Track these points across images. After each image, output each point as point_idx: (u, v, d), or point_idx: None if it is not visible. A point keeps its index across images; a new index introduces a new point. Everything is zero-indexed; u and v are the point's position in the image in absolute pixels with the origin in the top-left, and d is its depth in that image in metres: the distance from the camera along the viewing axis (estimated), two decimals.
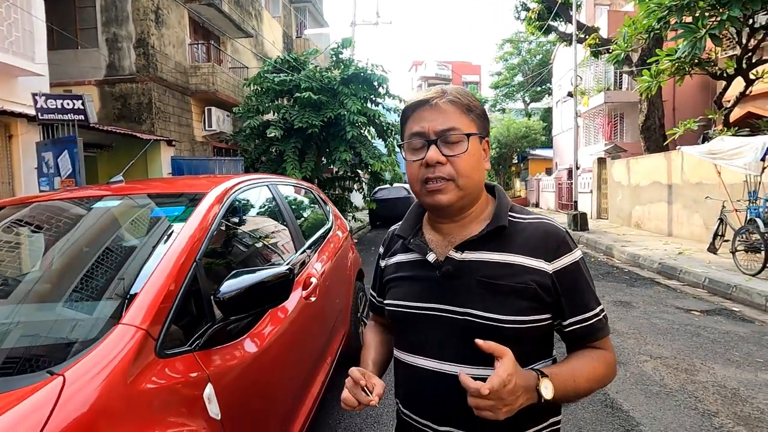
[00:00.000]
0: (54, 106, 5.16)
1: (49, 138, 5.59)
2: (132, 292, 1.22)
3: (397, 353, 0.95)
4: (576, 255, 0.85)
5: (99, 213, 1.77)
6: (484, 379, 0.71)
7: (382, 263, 1.03)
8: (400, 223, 1.02)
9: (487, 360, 0.76)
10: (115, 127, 8.59)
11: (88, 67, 9.24)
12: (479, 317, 0.81)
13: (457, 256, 0.85)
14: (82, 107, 5.16)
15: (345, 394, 0.83)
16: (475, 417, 0.74)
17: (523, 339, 0.82)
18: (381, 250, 1.07)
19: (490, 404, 0.70)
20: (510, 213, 0.88)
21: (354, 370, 0.84)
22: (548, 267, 0.82)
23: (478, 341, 0.74)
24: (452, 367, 0.82)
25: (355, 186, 11.97)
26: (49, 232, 1.70)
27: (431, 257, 0.88)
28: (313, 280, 2.22)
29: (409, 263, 0.93)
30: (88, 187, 2.22)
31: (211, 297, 1.36)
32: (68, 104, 5.17)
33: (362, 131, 10.15)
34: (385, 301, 0.96)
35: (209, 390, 1.22)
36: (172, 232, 1.50)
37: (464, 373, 0.73)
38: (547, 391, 0.76)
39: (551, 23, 14.12)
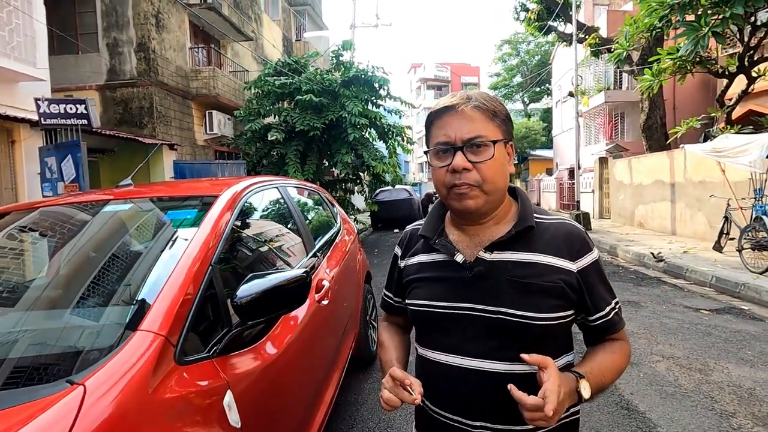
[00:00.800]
0: (57, 111, 5.14)
1: (51, 143, 5.56)
2: (148, 297, 1.19)
3: (423, 352, 0.95)
4: (595, 254, 0.90)
5: (109, 217, 1.74)
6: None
7: (402, 263, 1.03)
8: (418, 223, 1.04)
9: (518, 357, 0.81)
10: (118, 131, 8.58)
11: (90, 71, 9.23)
12: (511, 315, 0.84)
13: (487, 256, 0.87)
14: (85, 111, 5.13)
15: (387, 394, 0.83)
16: (506, 412, 0.81)
17: (551, 335, 0.86)
18: (398, 251, 1.07)
19: (542, 422, 0.74)
20: (534, 214, 0.91)
21: (396, 370, 0.84)
22: (573, 266, 0.86)
23: (524, 356, 0.78)
24: (484, 364, 0.85)
25: (357, 188, 11.95)
26: (59, 237, 1.66)
27: (459, 258, 0.89)
28: (325, 283, 2.18)
29: (434, 263, 0.94)
30: (97, 190, 2.19)
31: (228, 302, 1.33)
32: (71, 109, 5.15)
33: (363, 133, 10.12)
34: (408, 302, 0.97)
35: (229, 397, 1.19)
36: (186, 236, 1.47)
37: (514, 387, 0.75)
38: (585, 391, 0.81)
39: (551, 23, 14.13)
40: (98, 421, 0.85)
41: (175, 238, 1.50)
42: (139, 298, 1.23)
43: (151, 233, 1.64)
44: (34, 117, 5.60)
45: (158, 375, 1.01)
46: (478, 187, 0.84)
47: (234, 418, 1.19)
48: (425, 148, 0.93)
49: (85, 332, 1.20)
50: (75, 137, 5.21)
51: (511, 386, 0.75)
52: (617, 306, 0.93)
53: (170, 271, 1.26)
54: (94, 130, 5.75)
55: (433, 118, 0.90)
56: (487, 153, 0.84)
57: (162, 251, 1.44)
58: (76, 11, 9.24)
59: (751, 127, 8.24)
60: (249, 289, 1.29)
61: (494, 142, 0.85)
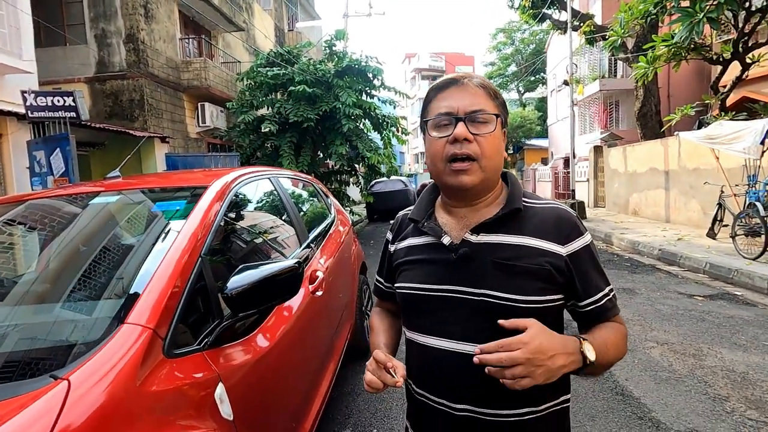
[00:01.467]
0: (44, 104, 5.04)
1: (40, 136, 5.47)
2: (136, 290, 1.16)
3: (410, 335, 0.95)
4: (587, 238, 0.88)
5: (97, 209, 1.70)
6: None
7: (392, 248, 1.03)
8: (410, 208, 1.04)
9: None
10: (108, 124, 8.45)
11: (78, 64, 9.06)
12: (496, 297, 0.83)
13: (473, 238, 0.87)
14: (73, 104, 5.04)
15: (369, 376, 0.83)
16: (490, 395, 0.81)
17: (539, 319, 0.84)
18: (389, 235, 1.07)
19: (520, 369, 0.71)
20: (523, 198, 0.90)
21: (378, 353, 0.84)
22: (562, 250, 0.85)
23: (502, 321, 0.76)
24: (468, 347, 0.83)
25: (352, 179, 11.89)
26: (45, 230, 1.63)
27: (446, 240, 0.89)
28: (319, 274, 2.16)
29: (421, 246, 0.94)
30: (84, 183, 2.15)
31: (218, 293, 1.31)
32: (59, 101, 5.05)
33: (358, 124, 10.04)
34: (397, 285, 0.97)
35: (221, 390, 1.17)
36: (174, 227, 1.44)
37: (477, 352, 0.74)
38: (590, 353, 0.79)
39: (545, 11, 14.02)
40: (83, 417, 0.83)
41: (164, 230, 1.47)
42: (127, 292, 1.20)
43: (140, 225, 1.61)
44: (22, 110, 5.50)
45: (146, 368, 0.99)
46: (476, 161, 0.83)
47: (226, 410, 1.17)
48: (425, 118, 0.90)
49: (71, 326, 1.18)
50: (64, 130, 5.12)
51: (476, 349, 0.74)
52: (611, 293, 0.91)
53: (158, 263, 1.23)
54: (82, 122, 5.66)
55: (434, 94, 0.90)
56: (488, 127, 0.84)
57: (150, 243, 1.41)
58: (62, 2, 9.04)
59: (745, 113, 8.25)
60: (239, 280, 1.27)
61: (496, 116, 0.85)
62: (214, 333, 1.25)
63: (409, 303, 0.94)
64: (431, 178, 0.95)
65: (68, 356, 0.99)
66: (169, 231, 1.44)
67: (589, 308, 0.89)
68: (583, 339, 0.80)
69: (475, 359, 0.74)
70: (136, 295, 1.14)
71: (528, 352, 0.71)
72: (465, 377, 0.84)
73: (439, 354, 0.87)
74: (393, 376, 0.81)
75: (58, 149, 4.84)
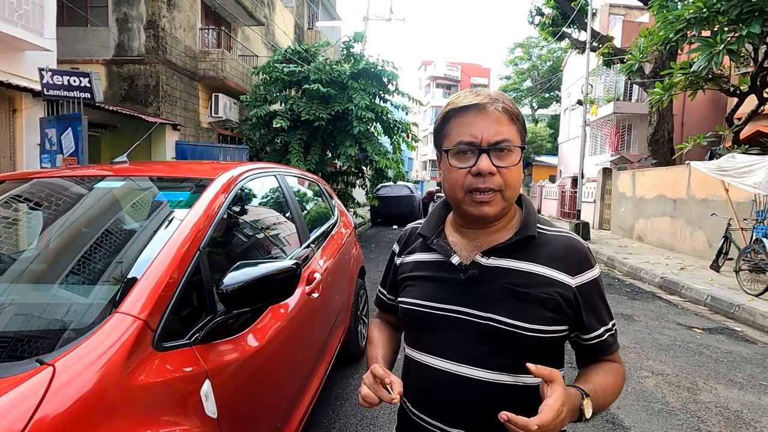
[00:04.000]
0: (60, 83, 5.09)
1: (53, 115, 5.51)
2: (131, 278, 1.16)
3: (410, 352, 0.94)
4: (596, 271, 0.87)
5: (101, 193, 1.70)
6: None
7: (398, 260, 1.02)
8: (419, 221, 1.02)
9: (506, 366, 0.81)
10: (121, 107, 8.52)
11: (97, 45, 9.15)
12: (502, 323, 0.81)
13: (483, 261, 0.85)
14: (88, 85, 5.08)
15: (365, 390, 0.81)
16: (486, 421, 0.78)
17: (541, 348, 0.84)
18: (396, 247, 1.05)
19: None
20: (537, 224, 0.88)
21: (377, 367, 0.82)
22: (571, 281, 0.84)
23: (530, 366, 0.72)
24: (469, 370, 0.83)
25: (358, 181, 11.90)
26: (48, 209, 1.63)
27: (455, 260, 0.87)
28: (317, 275, 2.15)
29: (429, 263, 0.92)
30: (90, 166, 2.16)
31: (214, 289, 1.30)
32: (75, 81, 5.09)
33: (369, 127, 10.06)
34: (400, 299, 0.95)
35: (207, 387, 1.16)
36: (176, 218, 1.44)
37: (504, 413, 0.69)
38: (588, 410, 0.78)
39: (565, 30, 14.02)
40: (65, 405, 0.82)
41: (165, 220, 1.47)
42: (123, 279, 1.19)
43: (142, 213, 1.61)
44: (38, 87, 5.55)
45: (133, 360, 0.98)
46: (499, 192, 0.81)
47: (210, 408, 1.16)
48: (441, 146, 0.85)
49: (64, 310, 1.17)
50: (77, 110, 5.16)
51: (501, 414, 0.69)
52: (614, 328, 0.90)
53: (155, 253, 1.22)
54: (96, 104, 5.70)
55: (452, 115, 0.84)
56: (512, 158, 0.81)
57: (151, 233, 1.41)
58: None
59: (758, 148, 8.18)
60: (236, 277, 1.26)
61: (520, 147, 0.82)
62: (206, 328, 1.24)
63: (411, 319, 0.92)
64: (442, 193, 0.93)
65: (57, 341, 0.98)
66: (170, 222, 1.44)
67: (592, 342, 0.88)
68: (585, 395, 0.79)
69: (502, 416, 0.69)
70: (131, 284, 1.13)
71: (556, 424, 0.69)
72: (463, 401, 0.83)
73: (438, 375, 0.86)
74: (390, 392, 0.79)
75: (69, 129, 4.87)
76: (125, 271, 1.22)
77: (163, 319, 1.10)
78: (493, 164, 0.79)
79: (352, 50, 10.61)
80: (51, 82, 5.08)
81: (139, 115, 8.20)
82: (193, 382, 1.12)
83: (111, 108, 7.62)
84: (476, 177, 0.80)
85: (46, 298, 1.22)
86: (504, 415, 0.69)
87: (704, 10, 6.31)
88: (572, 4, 13.12)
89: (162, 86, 9.24)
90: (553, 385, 0.71)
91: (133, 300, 1.06)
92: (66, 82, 5.10)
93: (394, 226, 13.76)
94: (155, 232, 1.39)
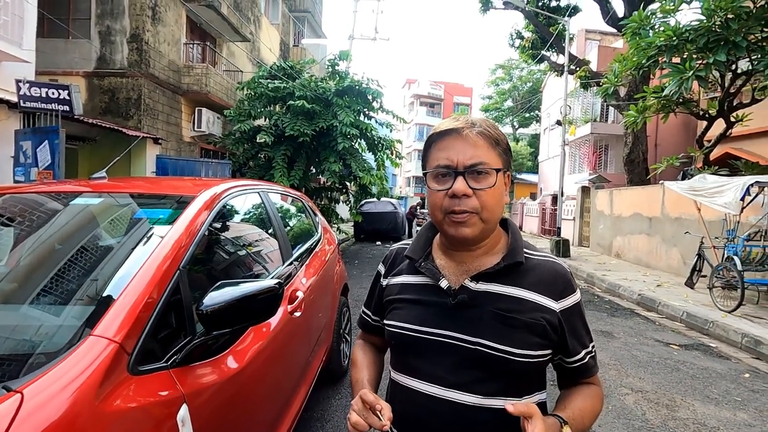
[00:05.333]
0: (38, 95, 4.98)
1: (29, 127, 5.37)
2: (107, 299, 1.13)
3: (396, 376, 0.93)
4: (578, 296, 0.90)
5: (77, 210, 1.66)
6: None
7: (384, 282, 1.01)
8: (406, 242, 1.03)
9: (494, 391, 0.82)
10: (101, 120, 8.37)
11: (78, 58, 9.02)
12: (492, 348, 0.82)
13: (473, 285, 0.86)
14: (68, 97, 4.99)
15: (355, 417, 0.80)
16: None
17: (528, 372, 0.85)
18: (382, 268, 1.04)
19: None
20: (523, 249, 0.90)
21: (368, 393, 0.81)
22: (556, 306, 0.85)
23: (508, 407, 0.74)
24: (457, 395, 0.83)
25: (342, 197, 11.90)
26: (20, 226, 1.57)
27: (444, 283, 0.87)
28: (299, 294, 2.13)
29: (416, 286, 0.92)
30: (67, 181, 2.10)
31: (194, 309, 1.27)
32: (53, 93, 5.00)
33: (353, 143, 10.12)
34: (386, 322, 0.94)
35: (184, 411, 1.12)
36: (156, 235, 1.41)
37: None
38: None
39: (544, 53, 14.53)
40: None
41: (144, 238, 1.44)
42: (97, 300, 1.16)
43: (120, 231, 1.57)
44: (14, 99, 5.42)
45: (108, 385, 0.94)
46: (476, 214, 0.81)
47: None
48: (423, 169, 0.89)
49: (35, 332, 1.13)
50: (55, 123, 5.05)
51: (509, 407, 0.74)
52: (593, 350, 0.92)
53: (133, 273, 1.19)
54: (75, 117, 5.59)
55: (434, 140, 0.87)
56: (488, 180, 0.82)
57: (128, 251, 1.38)
58: None
59: (726, 169, 8.54)
60: (217, 297, 1.24)
61: (497, 170, 0.83)
62: (184, 350, 1.20)
63: (398, 343, 0.91)
64: (425, 210, 0.95)
65: (25, 365, 0.94)
66: (149, 240, 1.41)
67: (574, 365, 0.90)
68: (564, 423, 0.81)
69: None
70: (107, 305, 1.10)
71: None
72: (450, 426, 0.83)
73: (425, 399, 0.85)
74: (380, 419, 0.78)
75: (46, 141, 4.76)
76: (100, 291, 1.19)
77: (139, 342, 1.07)
78: (470, 186, 0.81)
79: (337, 68, 10.73)
80: (28, 93, 4.97)
81: (120, 128, 8.06)
82: (170, 406, 1.09)
83: (90, 121, 7.48)
84: (452, 199, 0.82)
85: (14, 319, 1.17)
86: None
87: (674, 38, 6.64)
88: (550, 28, 13.64)
89: (144, 99, 9.14)
90: (532, 419, 0.73)
91: (109, 322, 1.03)
92: (44, 94, 4.99)
93: (378, 242, 13.74)
94: (133, 250, 1.36)
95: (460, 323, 0.84)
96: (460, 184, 0.81)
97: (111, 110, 9.08)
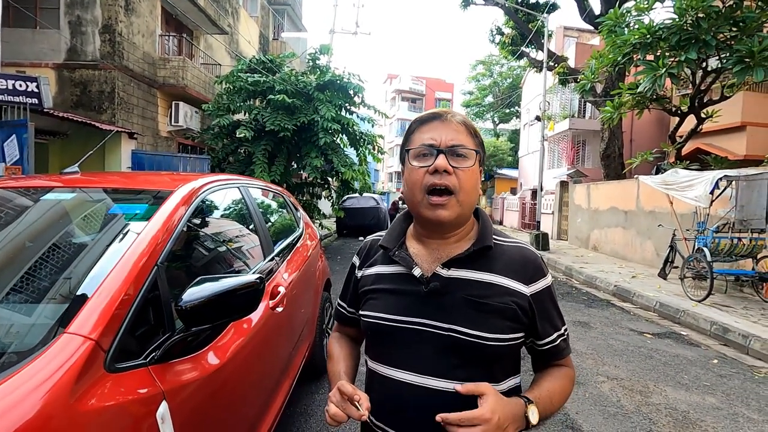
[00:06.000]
0: (4, 87, 4.78)
1: None
2: (81, 297, 1.10)
3: (372, 365, 0.94)
4: (549, 279, 0.92)
5: (48, 206, 1.61)
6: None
7: (359, 273, 1.02)
8: (380, 233, 1.03)
9: (469, 376, 0.82)
10: (73, 114, 8.08)
11: (47, 48, 8.68)
12: (465, 334, 0.83)
13: (444, 272, 0.88)
14: (36, 90, 4.81)
15: (333, 409, 0.82)
16: None
17: (503, 356, 0.88)
18: (356, 260, 1.05)
19: None
20: (493, 235, 0.92)
21: (345, 384, 0.83)
22: (526, 290, 0.88)
23: (457, 387, 0.79)
24: (432, 382, 0.84)
25: (324, 193, 11.83)
26: None
27: (417, 272, 0.89)
28: (281, 289, 2.11)
29: (390, 275, 0.93)
30: (38, 176, 2.03)
31: (172, 305, 1.25)
32: (20, 86, 4.80)
33: (335, 138, 10.06)
34: (362, 313, 0.95)
35: (163, 408, 1.11)
36: (132, 231, 1.38)
37: (440, 415, 0.76)
38: (533, 416, 0.82)
39: (523, 49, 14.70)
40: None
41: (120, 234, 1.40)
42: (71, 298, 1.13)
43: (94, 227, 1.53)
44: None
45: (83, 383, 0.92)
46: (454, 195, 0.84)
47: (167, 431, 1.10)
48: (405, 149, 0.92)
49: (6, 332, 1.09)
50: (23, 116, 4.85)
51: (438, 416, 0.75)
52: (566, 333, 0.95)
53: (109, 269, 1.17)
54: (45, 110, 5.38)
55: (416, 125, 0.91)
56: (468, 161, 0.86)
57: (103, 247, 1.34)
58: None
59: (697, 163, 8.85)
60: (196, 292, 1.22)
61: (476, 152, 0.88)
62: (163, 347, 1.18)
63: (374, 333, 0.92)
64: (405, 205, 0.96)
65: None
66: (125, 235, 1.38)
67: (546, 347, 0.92)
68: (529, 402, 0.83)
69: (438, 418, 0.75)
70: (81, 302, 1.07)
71: (489, 430, 0.73)
72: (427, 412, 0.83)
73: (402, 387, 0.86)
74: (358, 409, 0.79)
75: (14, 136, 4.57)
76: (75, 289, 1.16)
77: (116, 339, 1.05)
78: (450, 164, 0.85)
79: (318, 62, 10.63)
80: None
81: (92, 123, 7.81)
82: (149, 404, 1.07)
83: (61, 114, 7.22)
84: (433, 174, 0.85)
85: None
86: (439, 417, 0.74)
87: (648, 36, 6.82)
88: (530, 25, 13.81)
89: (118, 93, 8.87)
90: (484, 396, 0.76)
91: (84, 319, 1.01)
92: (11, 86, 4.80)
93: (360, 238, 13.73)
94: (108, 246, 1.33)
95: (434, 311, 0.86)
96: (441, 160, 0.84)
97: (83, 104, 8.78)
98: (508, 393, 0.87)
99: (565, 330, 0.94)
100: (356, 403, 0.80)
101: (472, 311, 0.84)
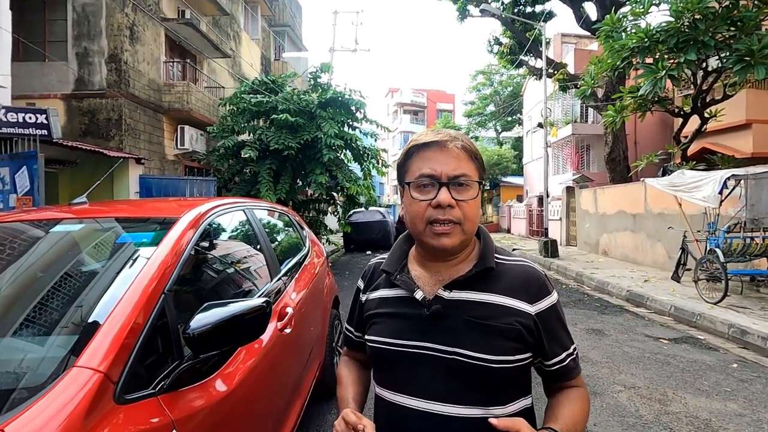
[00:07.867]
0: (15, 120, 4.91)
1: (6, 153, 5.27)
2: (90, 328, 1.11)
3: (379, 391, 0.92)
4: (554, 297, 0.90)
5: (58, 237, 1.63)
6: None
7: (363, 297, 1.01)
8: (383, 256, 1.02)
9: (476, 400, 0.81)
10: (81, 142, 8.25)
11: (55, 80, 8.91)
12: (469, 357, 0.82)
13: (446, 294, 0.86)
14: (45, 122, 4.92)
15: None
16: None
17: (509, 378, 0.85)
18: (361, 284, 1.05)
19: None
20: (495, 255, 0.90)
21: (349, 413, 0.81)
22: (531, 309, 0.86)
23: (492, 421, 0.75)
24: (440, 407, 0.82)
25: (330, 209, 11.88)
26: (0, 256, 1.54)
27: (419, 295, 0.88)
28: (289, 310, 2.12)
29: (393, 299, 0.92)
30: (47, 208, 2.07)
31: (180, 332, 1.26)
32: (30, 118, 4.93)
33: (339, 154, 10.15)
34: (367, 337, 0.94)
35: None
36: (140, 259, 1.39)
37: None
38: None
39: (522, 58, 14.81)
40: None
41: (128, 263, 1.42)
42: (81, 329, 1.14)
43: (103, 257, 1.55)
44: None
45: (93, 417, 0.93)
46: (459, 224, 0.83)
47: None
48: (404, 180, 0.89)
49: (18, 365, 1.10)
50: (33, 148, 4.96)
51: (492, 421, 0.74)
52: (575, 352, 0.92)
53: (117, 299, 1.18)
54: (54, 140, 5.51)
55: (414, 150, 0.88)
56: (470, 192, 0.84)
57: (112, 277, 1.36)
58: (45, 19, 8.97)
59: (704, 163, 8.76)
60: (203, 319, 1.22)
61: (477, 182, 0.86)
62: (172, 375, 1.19)
63: (378, 358, 0.91)
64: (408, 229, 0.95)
65: (7, 402, 0.92)
66: (133, 264, 1.40)
67: (554, 368, 0.90)
68: None
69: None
70: (91, 333, 1.08)
71: None
72: None
73: (408, 413, 0.85)
74: None
75: (24, 167, 4.67)
76: (84, 319, 1.17)
77: (125, 370, 1.05)
78: (453, 197, 0.82)
79: (319, 80, 10.79)
80: (4, 119, 4.89)
81: (101, 150, 7.95)
82: None
83: (70, 144, 7.37)
84: (436, 209, 0.83)
85: None
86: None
87: (646, 39, 6.84)
88: (527, 34, 13.93)
89: (125, 120, 9.05)
90: None
91: (93, 351, 1.01)
92: (21, 119, 4.92)
93: (368, 252, 13.72)
94: (117, 275, 1.34)
95: (437, 334, 0.84)
96: (444, 195, 0.82)
97: (91, 132, 8.97)
98: (518, 415, 0.85)
99: (575, 349, 0.92)
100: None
101: (475, 333, 0.82)
